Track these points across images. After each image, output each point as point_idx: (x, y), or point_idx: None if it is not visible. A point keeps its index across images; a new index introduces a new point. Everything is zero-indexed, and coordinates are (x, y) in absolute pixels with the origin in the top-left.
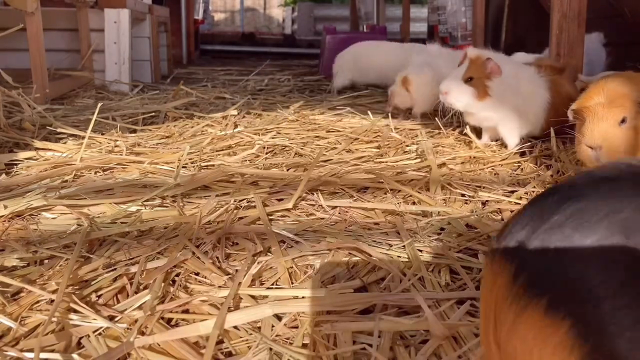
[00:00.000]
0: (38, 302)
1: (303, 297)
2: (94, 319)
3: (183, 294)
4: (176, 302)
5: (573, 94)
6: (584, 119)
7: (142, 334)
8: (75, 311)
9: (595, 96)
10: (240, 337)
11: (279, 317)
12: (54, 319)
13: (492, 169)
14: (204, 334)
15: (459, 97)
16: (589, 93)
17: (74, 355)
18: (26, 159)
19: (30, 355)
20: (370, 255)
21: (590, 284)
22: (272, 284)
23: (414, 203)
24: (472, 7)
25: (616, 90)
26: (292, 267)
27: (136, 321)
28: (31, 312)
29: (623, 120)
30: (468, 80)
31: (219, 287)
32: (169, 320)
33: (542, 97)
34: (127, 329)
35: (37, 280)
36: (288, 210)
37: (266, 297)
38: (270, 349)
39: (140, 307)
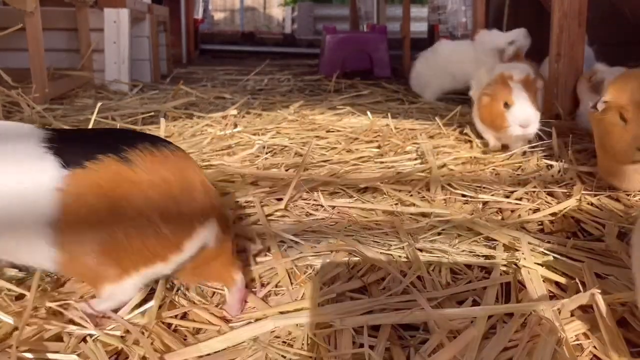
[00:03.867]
0: (36, 308)
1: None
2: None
3: (182, 299)
4: (178, 309)
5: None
6: None
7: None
8: (73, 322)
9: None
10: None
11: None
12: (53, 323)
13: (494, 169)
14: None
15: (537, 124)
16: None
17: (73, 356)
18: None
19: (30, 355)
20: (368, 258)
21: None
22: (275, 286)
23: (413, 204)
24: (472, 6)
25: None
26: (292, 268)
27: (144, 328)
28: (32, 316)
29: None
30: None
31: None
32: (169, 325)
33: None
34: (129, 332)
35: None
36: (287, 210)
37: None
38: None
39: (136, 309)
